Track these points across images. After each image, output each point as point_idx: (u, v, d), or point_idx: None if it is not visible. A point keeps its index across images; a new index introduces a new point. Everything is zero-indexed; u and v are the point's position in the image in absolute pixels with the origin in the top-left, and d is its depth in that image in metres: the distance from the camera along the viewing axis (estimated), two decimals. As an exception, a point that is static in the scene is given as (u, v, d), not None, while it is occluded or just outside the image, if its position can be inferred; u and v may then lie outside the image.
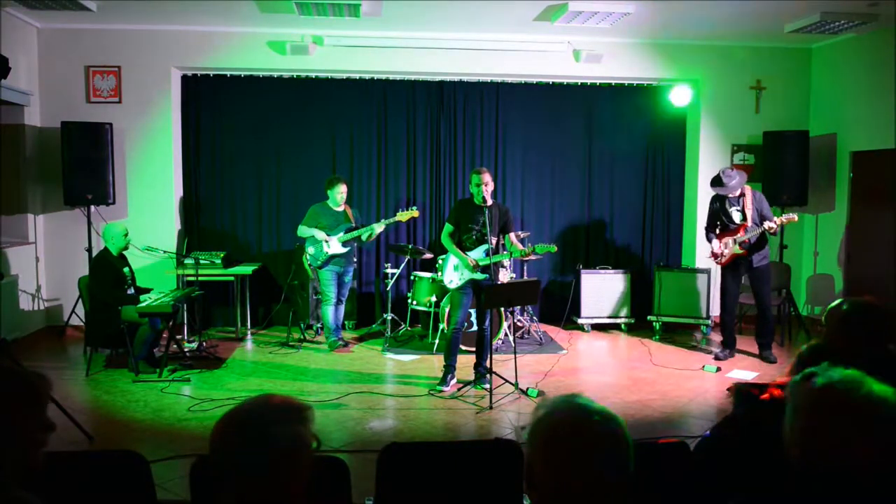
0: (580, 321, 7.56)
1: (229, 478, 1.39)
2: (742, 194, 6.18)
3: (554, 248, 5.48)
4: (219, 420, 1.45)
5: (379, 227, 6.72)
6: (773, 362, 6.23)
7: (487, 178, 5.30)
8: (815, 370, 1.54)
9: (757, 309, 6.36)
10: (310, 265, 6.79)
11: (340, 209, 6.71)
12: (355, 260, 7.53)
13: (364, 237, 6.69)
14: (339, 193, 6.65)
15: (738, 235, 6.12)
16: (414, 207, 6.88)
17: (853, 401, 1.42)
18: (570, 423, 1.31)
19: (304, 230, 6.67)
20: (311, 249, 6.68)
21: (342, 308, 6.89)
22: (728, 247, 6.18)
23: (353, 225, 6.69)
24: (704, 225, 6.55)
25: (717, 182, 6.25)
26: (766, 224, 5.95)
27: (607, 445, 1.29)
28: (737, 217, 6.18)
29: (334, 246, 6.60)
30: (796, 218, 6.07)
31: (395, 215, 6.78)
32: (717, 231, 6.33)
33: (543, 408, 1.36)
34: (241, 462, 1.38)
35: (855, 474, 1.39)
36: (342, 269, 6.72)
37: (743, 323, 7.32)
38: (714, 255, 6.35)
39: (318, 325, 6.97)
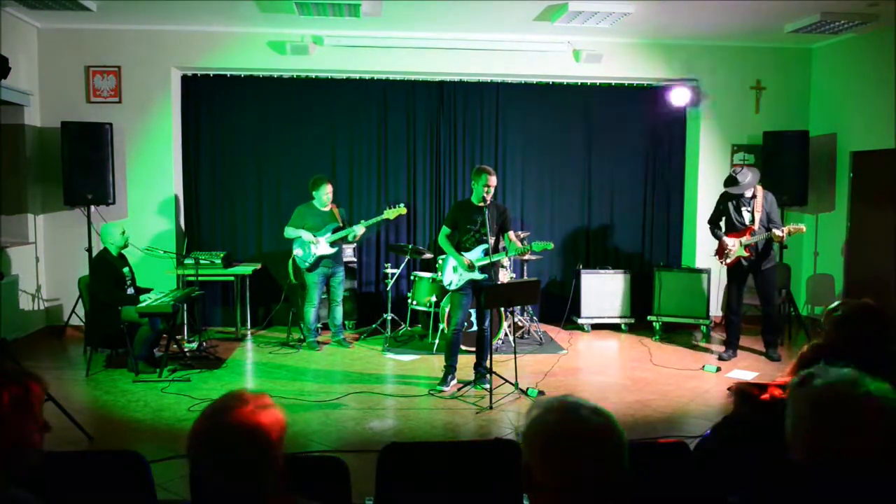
0: (580, 321, 7.56)
1: (214, 474, 1.41)
2: (754, 195, 6.12)
3: (551, 246, 5.47)
4: (195, 421, 1.47)
5: (360, 229, 6.60)
6: (777, 360, 6.24)
7: (495, 179, 5.28)
8: (812, 371, 1.55)
9: (763, 308, 6.34)
10: (295, 267, 6.77)
11: (327, 209, 6.67)
12: (355, 259, 7.54)
13: (350, 237, 6.65)
14: (325, 194, 6.61)
15: (745, 238, 6.08)
16: (401, 205, 6.76)
17: (853, 399, 1.43)
18: (563, 423, 1.32)
19: (290, 231, 6.63)
20: (298, 251, 6.64)
21: (340, 309, 6.87)
22: (734, 248, 6.16)
23: (340, 225, 6.65)
24: (708, 219, 6.46)
25: (731, 182, 6.17)
26: (773, 231, 5.94)
27: (600, 443, 1.30)
28: (747, 218, 6.13)
29: (322, 247, 6.56)
30: (804, 228, 6.07)
31: (381, 214, 6.70)
32: (723, 230, 6.31)
33: (536, 409, 1.37)
34: (224, 458, 1.40)
35: (862, 470, 1.40)
36: (330, 270, 6.69)
37: (744, 323, 7.31)
38: (720, 254, 6.30)
39: (319, 325, 6.97)
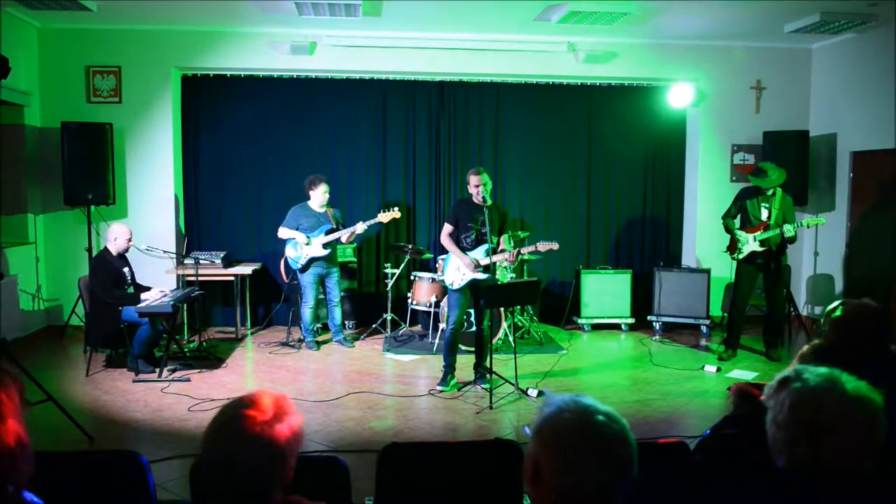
0: (580, 321, 7.56)
1: (227, 477, 1.40)
2: (773, 193, 6.16)
3: (556, 246, 5.47)
4: (211, 422, 1.45)
5: (360, 227, 6.58)
6: (777, 360, 6.25)
7: (481, 179, 5.28)
8: (788, 375, 1.52)
9: (769, 307, 6.36)
10: (287, 268, 6.75)
11: (322, 210, 6.66)
12: (354, 260, 7.54)
13: (344, 238, 6.65)
14: (323, 193, 6.60)
15: (759, 233, 6.12)
16: (395, 208, 6.69)
17: (830, 400, 1.41)
18: (577, 423, 1.31)
19: (285, 232, 6.61)
20: (290, 252, 6.64)
21: (338, 309, 6.84)
22: (749, 243, 6.17)
23: (334, 227, 6.63)
24: (722, 214, 6.44)
25: (759, 173, 6.18)
26: (783, 228, 5.97)
27: (613, 446, 1.30)
28: (764, 214, 6.17)
29: (315, 248, 6.55)
30: (823, 221, 6.34)
31: (375, 217, 6.62)
32: (737, 225, 6.32)
33: (549, 406, 1.36)
34: (238, 460, 1.39)
35: (843, 472, 1.38)
36: (325, 270, 6.67)
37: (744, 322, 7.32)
38: (732, 249, 6.31)
39: (319, 325, 6.97)
